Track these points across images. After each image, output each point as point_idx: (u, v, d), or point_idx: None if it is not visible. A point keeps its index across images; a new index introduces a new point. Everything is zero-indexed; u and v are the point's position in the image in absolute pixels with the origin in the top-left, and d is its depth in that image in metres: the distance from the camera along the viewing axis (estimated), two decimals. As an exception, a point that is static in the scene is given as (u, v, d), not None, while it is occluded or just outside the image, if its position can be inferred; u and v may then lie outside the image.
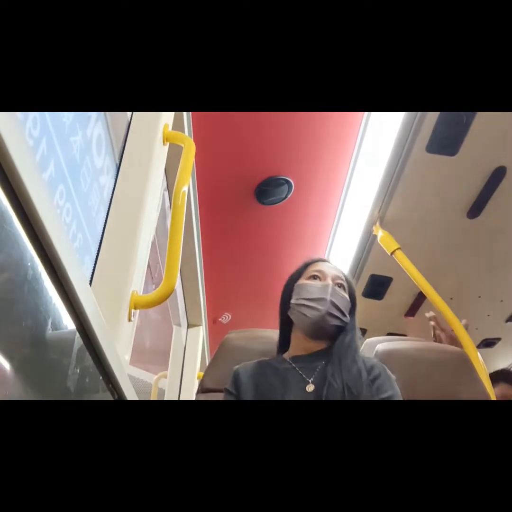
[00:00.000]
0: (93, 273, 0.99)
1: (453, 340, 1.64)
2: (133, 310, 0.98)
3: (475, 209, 1.86)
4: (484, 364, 1.54)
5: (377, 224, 1.96)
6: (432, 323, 1.69)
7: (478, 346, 2.51)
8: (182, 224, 1.08)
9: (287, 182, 2.15)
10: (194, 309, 2.51)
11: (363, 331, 2.55)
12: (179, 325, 2.50)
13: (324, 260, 1.21)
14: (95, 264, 1.00)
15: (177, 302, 2.33)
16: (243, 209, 2.28)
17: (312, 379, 1.04)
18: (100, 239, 1.03)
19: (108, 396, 0.71)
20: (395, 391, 1.04)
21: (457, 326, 1.66)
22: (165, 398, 2.31)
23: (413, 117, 1.58)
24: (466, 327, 1.65)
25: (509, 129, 1.56)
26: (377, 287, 2.30)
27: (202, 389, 1.32)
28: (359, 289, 2.30)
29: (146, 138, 1.16)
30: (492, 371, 1.67)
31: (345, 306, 1.11)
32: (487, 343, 2.59)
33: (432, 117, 1.56)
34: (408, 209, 1.91)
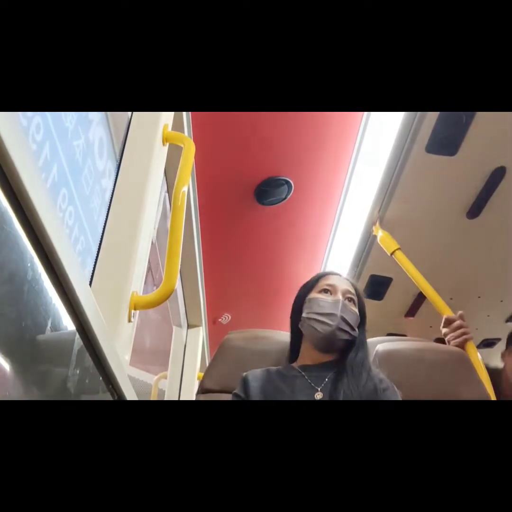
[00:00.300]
0: (93, 273, 0.99)
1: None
2: (133, 311, 0.98)
3: (475, 209, 1.86)
4: (484, 364, 1.54)
5: (377, 224, 1.96)
6: (459, 322, 1.64)
7: (478, 346, 2.51)
8: (182, 224, 1.08)
9: (287, 182, 2.15)
10: (194, 309, 2.51)
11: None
12: (179, 325, 2.50)
13: (336, 274, 1.24)
14: (95, 264, 1.00)
15: (177, 303, 2.33)
16: (243, 210, 2.28)
17: (320, 388, 1.07)
18: (100, 240, 1.03)
19: (108, 397, 0.71)
20: None
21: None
22: (165, 399, 2.30)
23: (413, 117, 1.58)
24: (462, 318, 1.64)
25: (509, 129, 1.56)
26: (377, 287, 2.30)
27: (202, 390, 1.32)
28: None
29: (145, 139, 1.16)
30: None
31: (354, 320, 1.14)
32: (487, 343, 2.59)
33: (432, 117, 1.56)
34: (408, 210, 1.91)
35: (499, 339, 2.56)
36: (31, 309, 0.46)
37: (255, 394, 1.08)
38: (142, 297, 1.00)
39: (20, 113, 0.71)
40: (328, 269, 2.49)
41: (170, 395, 2.31)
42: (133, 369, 1.91)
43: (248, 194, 2.20)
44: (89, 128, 1.03)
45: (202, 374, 1.40)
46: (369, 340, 1.65)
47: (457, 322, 1.62)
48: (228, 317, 3.16)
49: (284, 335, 1.33)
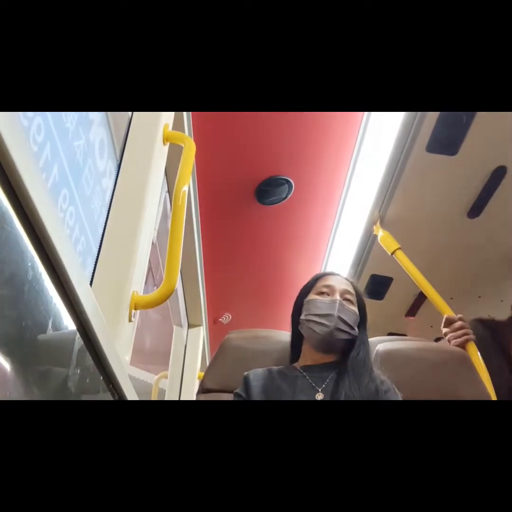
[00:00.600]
0: (93, 273, 0.99)
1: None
2: (133, 311, 0.98)
3: (476, 209, 1.85)
4: (484, 364, 1.54)
5: (378, 224, 1.96)
6: (461, 323, 1.64)
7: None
8: (183, 224, 1.08)
9: (288, 182, 2.15)
10: (194, 309, 2.51)
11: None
12: (179, 325, 2.50)
13: (334, 274, 1.24)
14: (95, 264, 1.00)
15: (177, 303, 2.33)
16: (244, 209, 2.28)
17: (321, 388, 1.07)
18: (100, 239, 1.04)
19: (108, 397, 0.71)
20: None
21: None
22: (166, 399, 2.31)
23: (413, 117, 1.58)
24: (462, 319, 1.64)
25: (510, 129, 1.56)
26: (378, 287, 2.30)
27: (202, 390, 1.32)
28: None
29: (146, 138, 1.16)
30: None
31: (353, 320, 1.13)
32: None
33: (432, 117, 1.56)
34: (408, 209, 1.91)
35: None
36: (32, 309, 0.46)
37: (256, 393, 1.08)
38: (142, 297, 1.00)
39: (20, 114, 0.71)
40: (329, 269, 2.50)
41: (171, 395, 2.31)
42: (134, 368, 1.91)
43: (248, 193, 2.20)
44: (90, 129, 1.03)
45: (203, 373, 1.40)
46: (369, 340, 1.65)
47: (459, 323, 1.62)
48: (229, 317, 3.16)
49: (284, 335, 1.33)
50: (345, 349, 1.13)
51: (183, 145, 1.23)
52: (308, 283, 1.24)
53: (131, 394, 0.80)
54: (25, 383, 0.46)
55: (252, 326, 1.55)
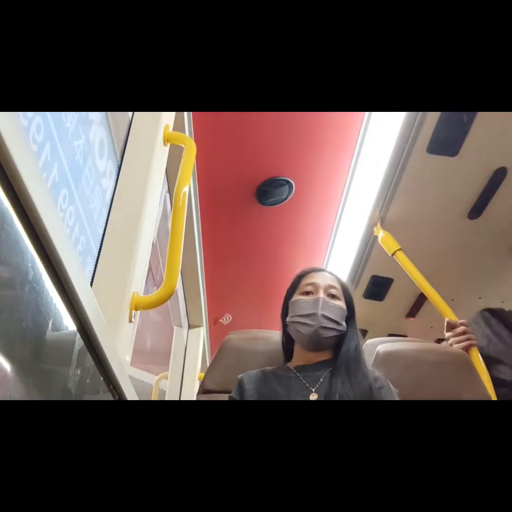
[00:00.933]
0: (94, 274, 0.99)
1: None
2: (134, 311, 0.98)
3: (476, 210, 1.86)
4: (484, 365, 1.54)
5: (378, 225, 1.96)
6: (463, 327, 1.63)
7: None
8: (183, 225, 1.08)
9: (288, 183, 2.15)
10: (195, 310, 2.51)
11: (364, 332, 2.55)
12: (180, 326, 2.50)
13: (317, 270, 1.22)
14: (96, 265, 1.00)
15: (178, 303, 2.33)
16: (244, 210, 2.29)
17: (315, 388, 1.06)
18: (101, 239, 1.04)
19: (108, 397, 0.71)
20: None
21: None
22: (166, 399, 2.30)
23: (414, 117, 1.58)
24: (465, 324, 1.64)
25: (510, 129, 1.56)
26: (378, 288, 2.30)
27: (203, 390, 1.32)
28: (360, 290, 2.30)
29: (147, 139, 1.16)
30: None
31: (339, 315, 1.12)
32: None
33: (433, 117, 1.56)
34: (409, 210, 1.91)
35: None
36: (32, 310, 0.46)
37: (250, 396, 1.07)
38: (143, 297, 1.00)
39: (20, 113, 0.71)
40: (329, 269, 2.49)
41: (171, 396, 2.31)
42: (134, 369, 1.91)
43: (249, 194, 2.20)
44: (90, 129, 1.03)
45: (203, 374, 1.40)
46: (369, 341, 1.65)
47: (461, 328, 1.61)
48: (229, 318, 3.16)
49: (285, 336, 1.33)
50: (336, 344, 1.12)
51: (183, 146, 1.23)
52: (292, 282, 1.22)
53: (131, 395, 0.79)
54: (26, 383, 0.46)
55: (252, 327, 1.55)
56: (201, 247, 2.21)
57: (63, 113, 0.88)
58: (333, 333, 1.10)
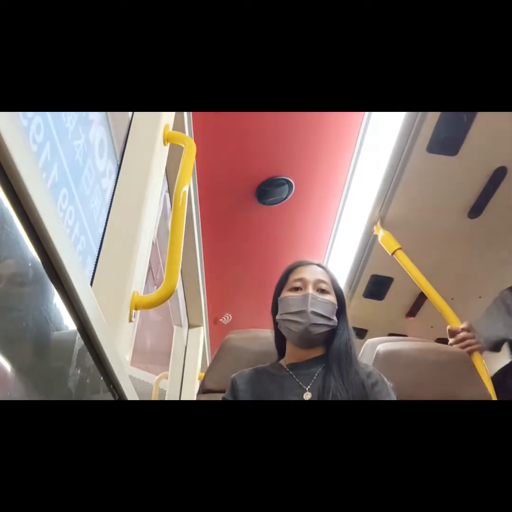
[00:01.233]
0: (94, 273, 0.99)
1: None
2: (134, 311, 0.98)
3: (476, 209, 1.86)
4: (485, 365, 1.54)
5: (378, 224, 1.96)
6: (464, 333, 1.63)
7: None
8: (183, 224, 1.08)
9: (288, 182, 2.15)
10: (195, 309, 2.51)
11: (364, 332, 2.55)
12: (180, 325, 2.50)
13: (305, 263, 1.19)
14: (96, 264, 1.00)
15: (178, 303, 2.33)
16: (244, 210, 2.29)
17: (308, 386, 1.04)
18: (100, 239, 1.04)
19: (108, 397, 0.71)
20: (392, 399, 1.04)
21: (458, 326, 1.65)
22: (166, 399, 2.31)
23: (414, 117, 1.58)
24: (468, 329, 1.63)
25: (510, 129, 1.56)
26: (378, 287, 2.30)
27: (203, 390, 1.32)
28: (360, 290, 2.30)
29: (147, 138, 1.16)
30: (492, 372, 1.66)
31: (329, 310, 1.09)
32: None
33: (433, 117, 1.56)
34: (409, 209, 1.91)
35: (500, 339, 2.56)
36: (32, 309, 0.46)
37: (243, 397, 1.06)
38: (143, 297, 1.00)
39: (20, 113, 0.71)
40: (329, 268, 2.49)
41: (171, 395, 2.31)
42: (134, 369, 1.91)
43: (249, 194, 2.20)
44: (90, 128, 1.03)
45: (203, 374, 1.40)
46: (369, 340, 1.66)
47: (462, 334, 1.60)
48: (229, 317, 3.16)
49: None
50: (327, 340, 1.10)
51: (183, 146, 1.23)
52: (280, 278, 1.19)
53: (131, 394, 0.79)
54: (26, 383, 0.46)
55: (252, 326, 1.55)
56: (201, 246, 2.21)
57: (63, 113, 0.88)
58: (324, 329, 1.07)
